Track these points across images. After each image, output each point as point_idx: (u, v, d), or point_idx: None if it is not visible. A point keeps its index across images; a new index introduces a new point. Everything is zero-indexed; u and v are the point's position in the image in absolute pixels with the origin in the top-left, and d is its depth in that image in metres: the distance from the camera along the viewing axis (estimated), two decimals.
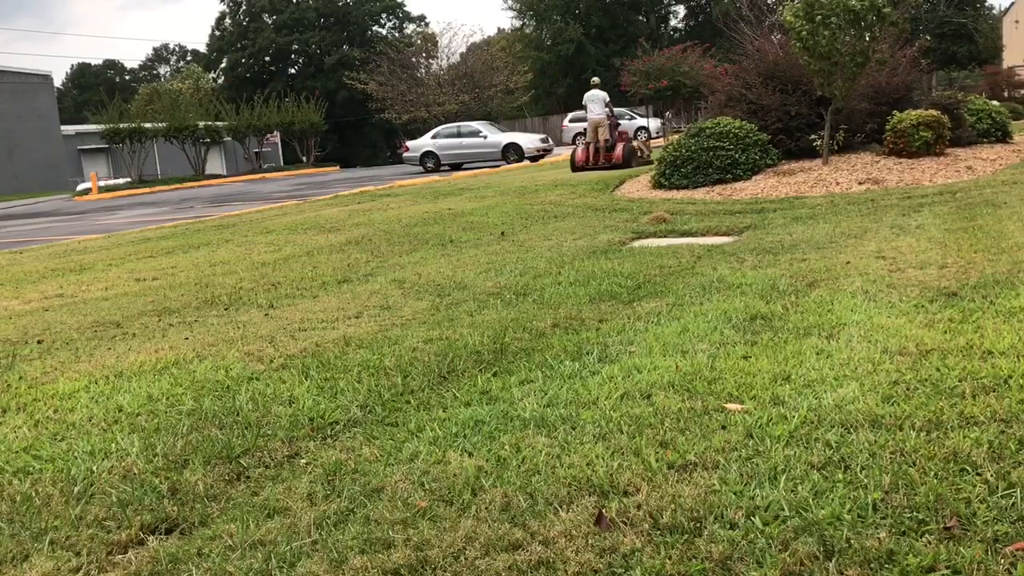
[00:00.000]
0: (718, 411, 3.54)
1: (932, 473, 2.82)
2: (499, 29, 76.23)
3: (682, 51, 29.52)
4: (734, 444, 3.19)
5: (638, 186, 13.86)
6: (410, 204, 14.95)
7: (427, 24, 71.46)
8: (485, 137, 30.67)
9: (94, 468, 3.47)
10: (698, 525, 2.63)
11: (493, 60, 45.48)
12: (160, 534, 2.91)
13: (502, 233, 10.22)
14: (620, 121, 37.54)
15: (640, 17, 62.67)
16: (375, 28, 72.97)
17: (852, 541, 2.46)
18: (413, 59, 46.29)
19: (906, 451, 3.00)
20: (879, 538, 2.45)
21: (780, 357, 4.18)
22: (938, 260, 6.27)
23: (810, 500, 2.71)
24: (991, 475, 2.77)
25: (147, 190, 34.37)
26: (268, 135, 46.39)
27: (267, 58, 70.50)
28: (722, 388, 3.81)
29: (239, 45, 70.43)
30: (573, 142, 38.44)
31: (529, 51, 58.91)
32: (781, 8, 14.89)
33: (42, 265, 10.99)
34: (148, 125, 39.39)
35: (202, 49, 78.54)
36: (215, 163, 51.20)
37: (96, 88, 75.25)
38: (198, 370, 4.83)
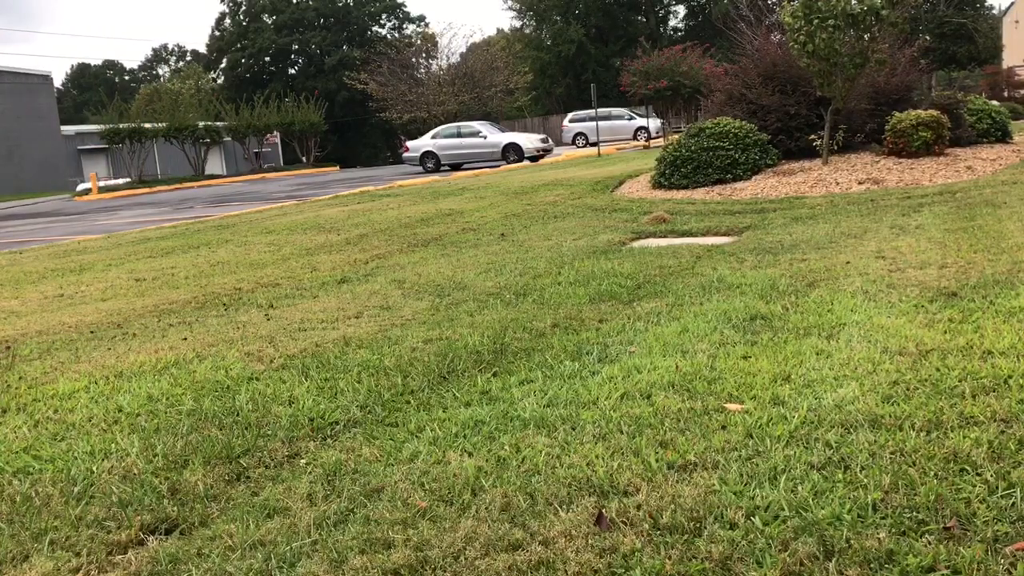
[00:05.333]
0: (718, 411, 3.54)
1: (932, 473, 2.82)
2: (499, 29, 76.31)
3: (682, 51, 29.54)
4: (734, 444, 3.19)
5: (638, 186, 13.86)
6: (410, 204, 14.96)
7: (427, 24, 71.61)
8: (485, 137, 30.67)
9: (94, 468, 3.47)
10: (698, 525, 2.63)
11: (493, 60, 45.46)
12: (160, 534, 2.91)
13: (502, 233, 10.22)
14: (620, 121, 37.71)
15: (640, 17, 62.71)
16: (375, 28, 73.02)
17: (852, 541, 2.46)
18: (413, 59, 46.29)
19: (906, 451, 3.00)
20: (879, 538, 2.45)
21: (780, 357, 4.18)
22: (938, 260, 6.27)
23: (810, 500, 2.71)
24: (991, 475, 2.77)
25: (147, 190, 34.38)
26: (268, 135, 46.40)
27: (267, 58, 70.52)
28: (722, 388, 3.81)
29: (239, 45, 70.45)
30: (573, 142, 38.53)
31: (529, 51, 58.94)
32: (780, 8, 14.89)
33: (42, 265, 10.99)
34: (148, 125, 39.40)
35: (202, 49, 78.64)
36: (215, 163, 51.22)
37: (96, 88, 75.33)
38: (198, 370, 4.83)
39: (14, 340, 6.18)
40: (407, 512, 2.87)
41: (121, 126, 38.34)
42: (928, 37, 38.97)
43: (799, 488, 2.79)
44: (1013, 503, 2.60)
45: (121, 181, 39.49)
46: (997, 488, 2.69)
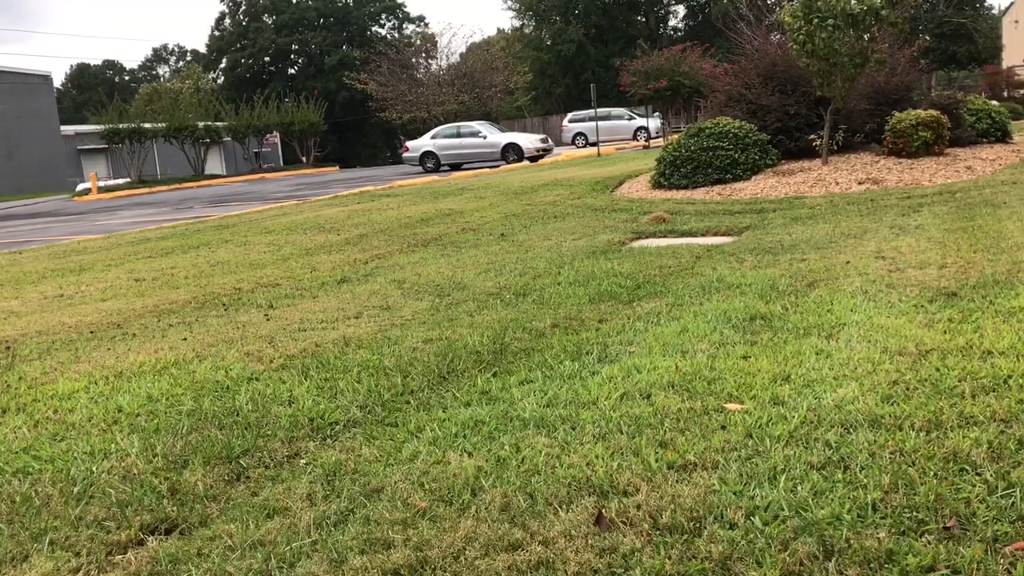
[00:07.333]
0: (718, 411, 3.54)
1: (932, 473, 2.82)
2: (499, 29, 76.33)
3: (681, 51, 29.52)
4: (734, 444, 3.19)
5: (637, 186, 13.86)
6: (410, 204, 14.95)
7: (427, 24, 71.63)
8: (485, 137, 30.67)
9: (94, 468, 3.47)
10: (698, 525, 2.63)
11: (493, 60, 45.48)
12: (160, 534, 2.91)
13: (502, 233, 10.22)
14: (620, 121, 37.74)
15: (640, 17, 62.70)
16: (375, 28, 73.04)
17: (852, 541, 2.46)
18: (413, 59, 46.31)
19: (906, 451, 3.00)
20: (879, 538, 2.45)
21: (780, 357, 4.18)
22: (938, 260, 6.27)
23: (810, 500, 2.71)
24: (991, 475, 2.77)
25: (147, 190, 34.37)
26: (268, 135, 46.42)
27: (267, 58, 70.52)
28: (722, 388, 3.81)
29: (239, 45, 70.44)
30: (573, 142, 38.53)
31: (529, 51, 58.93)
32: (780, 8, 14.90)
33: (42, 265, 10.99)
34: (148, 125, 39.43)
35: (202, 49, 78.62)
36: (215, 163, 51.23)
37: (96, 88, 75.35)
38: (198, 370, 4.83)
39: (14, 340, 6.18)
40: (407, 512, 2.87)
41: (121, 126, 38.36)
42: (928, 37, 38.97)
43: (799, 488, 2.79)
44: (1013, 503, 2.60)
45: (121, 181, 39.49)
46: (997, 488, 2.69)
